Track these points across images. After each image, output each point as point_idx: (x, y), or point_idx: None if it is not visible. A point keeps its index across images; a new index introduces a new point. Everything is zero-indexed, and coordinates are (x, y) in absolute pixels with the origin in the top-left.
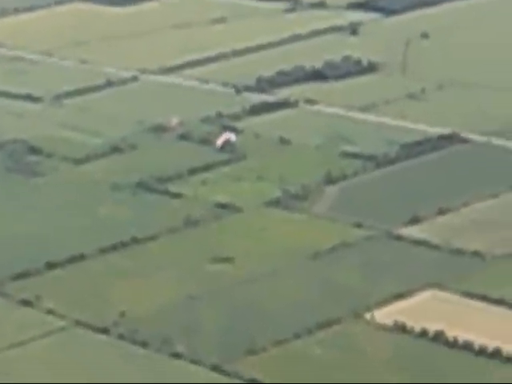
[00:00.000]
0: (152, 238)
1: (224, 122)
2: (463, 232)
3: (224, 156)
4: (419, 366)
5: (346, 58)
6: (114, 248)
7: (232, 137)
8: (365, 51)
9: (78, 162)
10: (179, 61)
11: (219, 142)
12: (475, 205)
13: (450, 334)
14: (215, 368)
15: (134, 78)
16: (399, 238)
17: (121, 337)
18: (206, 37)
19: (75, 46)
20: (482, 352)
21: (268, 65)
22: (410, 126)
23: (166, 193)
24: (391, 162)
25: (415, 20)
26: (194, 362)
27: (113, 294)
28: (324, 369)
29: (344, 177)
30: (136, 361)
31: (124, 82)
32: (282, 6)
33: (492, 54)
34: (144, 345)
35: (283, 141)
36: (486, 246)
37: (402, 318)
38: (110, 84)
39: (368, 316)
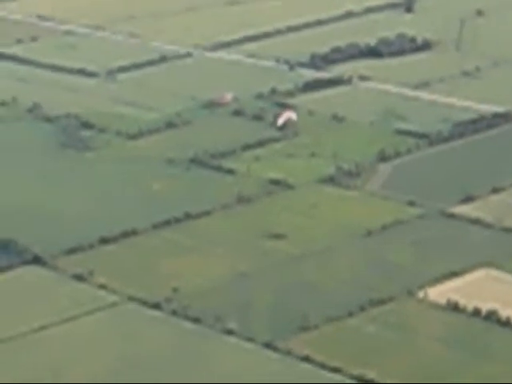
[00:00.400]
0: (205, 213)
1: (277, 99)
2: None
3: (277, 132)
4: (471, 344)
5: (401, 35)
6: (167, 223)
7: (293, 116)
8: (419, 28)
9: (132, 137)
10: (233, 37)
11: (280, 120)
12: None
13: (503, 313)
14: (268, 345)
15: (188, 54)
16: (452, 216)
17: (173, 313)
18: (259, 13)
19: (127, 21)
20: None
21: (322, 41)
22: (464, 103)
23: (220, 169)
24: (445, 139)
25: None
26: (246, 338)
27: (165, 269)
28: (377, 346)
29: (397, 154)
30: (188, 337)
31: (178, 57)
32: None
33: None
34: (196, 321)
35: (337, 118)
36: None
37: (454, 297)
38: (164, 59)
39: (421, 294)
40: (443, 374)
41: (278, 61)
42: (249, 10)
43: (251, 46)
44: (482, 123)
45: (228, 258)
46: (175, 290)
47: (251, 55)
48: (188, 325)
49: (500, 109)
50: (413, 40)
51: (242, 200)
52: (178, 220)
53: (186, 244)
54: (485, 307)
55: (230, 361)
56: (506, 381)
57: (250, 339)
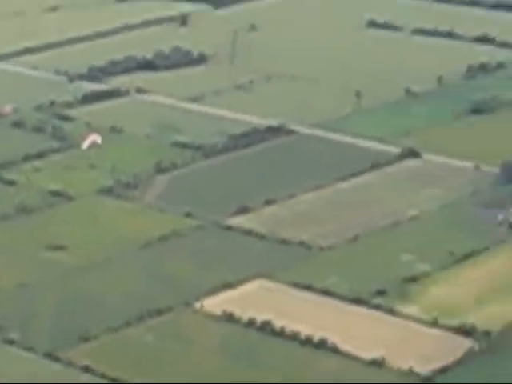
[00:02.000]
0: None
1: (57, 111)
2: (289, 223)
3: (57, 144)
4: (246, 355)
5: (176, 49)
6: None
7: (98, 139)
8: (194, 42)
9: None
10: (13, 48)
11: (86, 143)
12: (301, 196)
13: (278, 323)
14: (48, 355)
15: None
16: (228, 228)
17: None
18: (39, 25)
19: None
20: (308, 342)
21: (100, 54)
22: (238, 116)
23: (0, 179)
24: (219, 152)
25: (244, 12)
26: (26, 348)
27: None
28: (155, 356)
29: (174, 166)
30: None
31: None
32: None
33: (317, 47)
34: None
35: (115, 129)
36: (311, 237)
37: (230, 307)
38: None
39: (198, 305)
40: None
41: (57, 72)
42: (28, 22)
43: (31, 58)
44: (255, 136)
45: (8, 269)
46: None
47: (31, 67)
48: None
49: (273, 122)
50: (188, 53)
51: (23, 211)
52: None
53: None
54: (259, 317)
55: (10, 370)
56: None
57: (30, 349)
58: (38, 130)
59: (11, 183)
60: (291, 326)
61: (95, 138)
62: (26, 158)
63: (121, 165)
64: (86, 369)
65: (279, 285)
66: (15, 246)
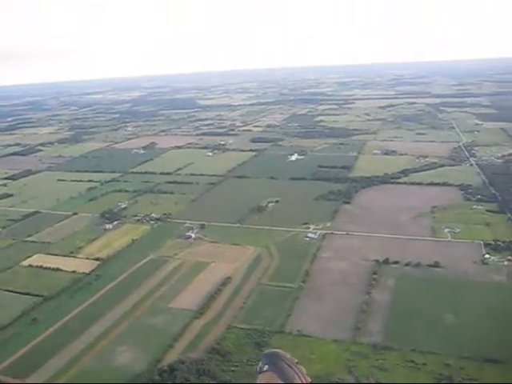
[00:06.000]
0: None
1: None
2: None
3: None
4: (39, 273)
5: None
6: None
7: None
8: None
9: None
10: None
11: None
12: None
13: (46, 266)
14: None
15: None
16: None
17: None
18: None
19: None
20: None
21: None
22: None
23: None
24: None
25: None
26: None
27: None
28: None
29: None
30: None
31: None
32: None
33: None
34: None
35: None
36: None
37: (32, 263)
38: None
39: (21, 263)
40: None
41: None
42: None
43: None
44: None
45: None
46: None
47: None
48: None
49: None
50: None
51: None
52: None
53: None
54: (44, 265)
55: None
56: None
57: None
58: None
59: None
60: (51, 266)
61: None
62: None
63: None
64: None
65: (47, 255)
66: None
